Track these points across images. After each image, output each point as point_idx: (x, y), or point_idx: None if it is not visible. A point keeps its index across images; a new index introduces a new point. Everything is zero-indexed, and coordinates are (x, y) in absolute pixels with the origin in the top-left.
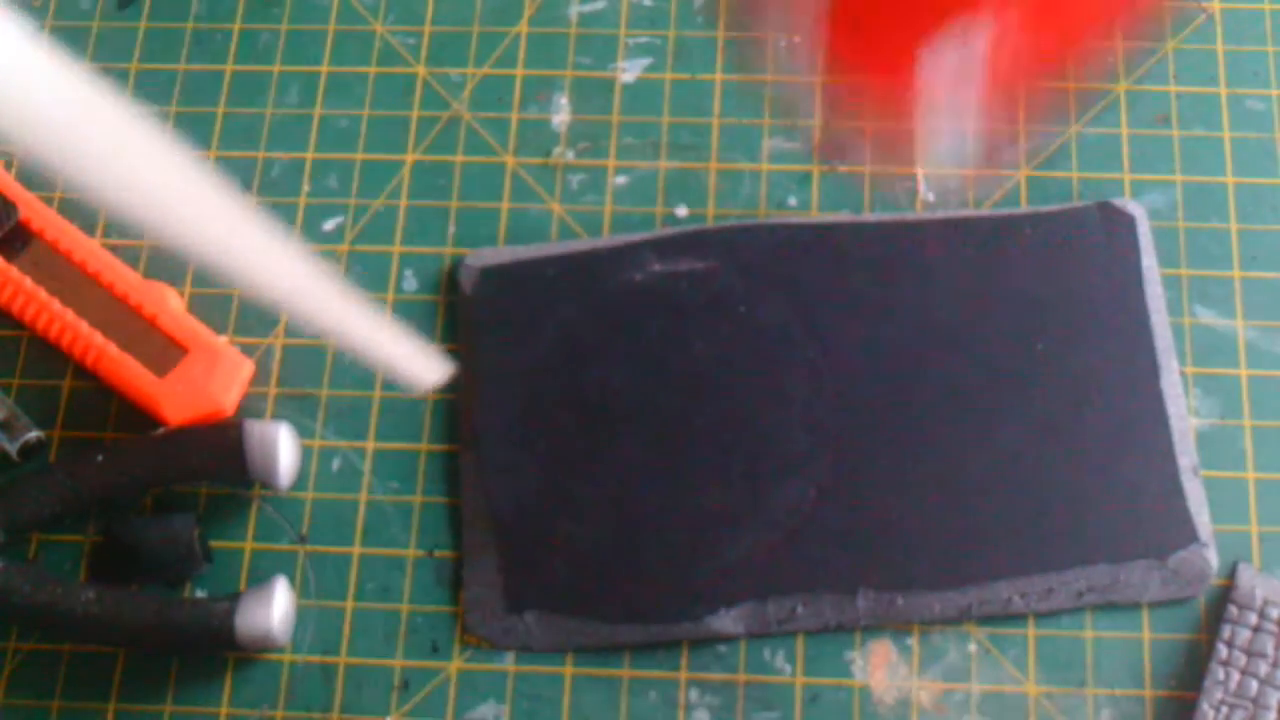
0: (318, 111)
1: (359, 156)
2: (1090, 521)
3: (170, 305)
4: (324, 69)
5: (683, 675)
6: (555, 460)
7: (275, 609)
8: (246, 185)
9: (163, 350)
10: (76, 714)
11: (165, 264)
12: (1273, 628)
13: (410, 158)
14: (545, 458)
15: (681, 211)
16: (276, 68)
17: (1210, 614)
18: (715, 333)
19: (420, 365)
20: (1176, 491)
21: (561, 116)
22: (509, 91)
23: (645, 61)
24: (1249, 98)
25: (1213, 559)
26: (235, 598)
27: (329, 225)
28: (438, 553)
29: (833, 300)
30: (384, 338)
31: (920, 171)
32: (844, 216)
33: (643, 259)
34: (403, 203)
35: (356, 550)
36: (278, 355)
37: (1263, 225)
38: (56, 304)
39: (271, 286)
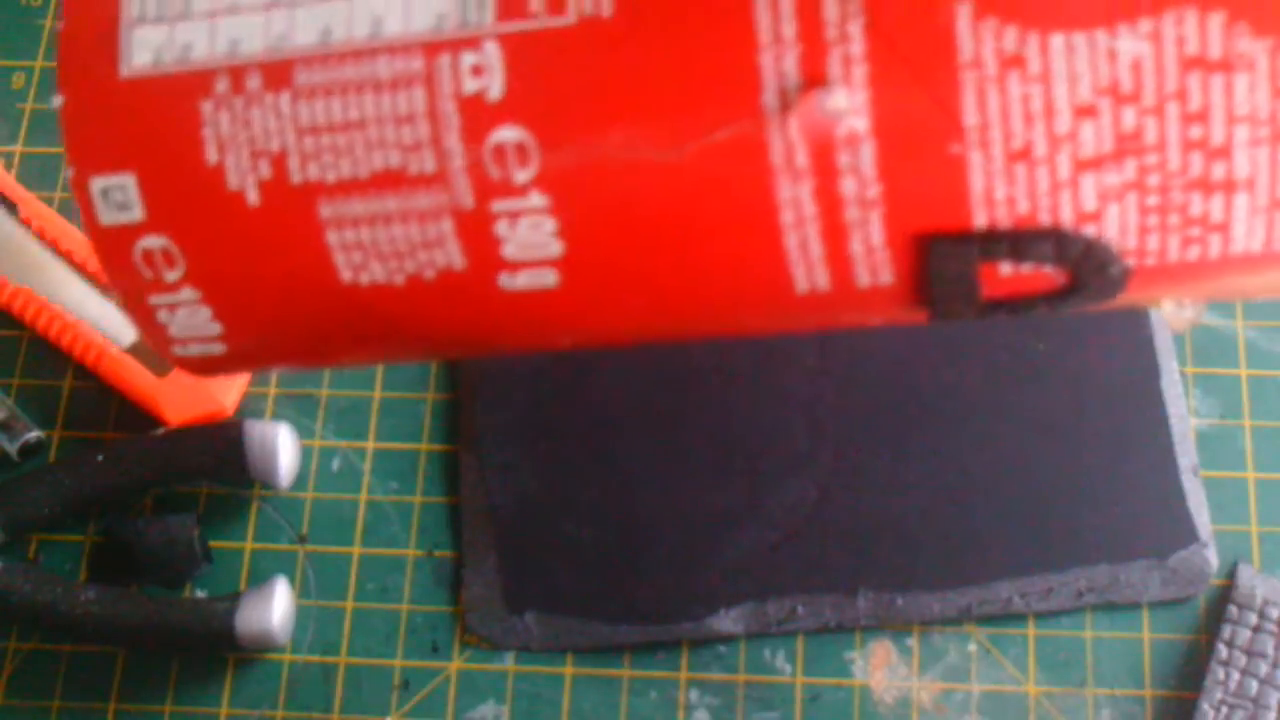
0: None
1: None
2: (1090, 521)
3: None
4: None
5: (683, 675)
6: (555, 460)
7: (275, 609)
8: None
9: None
10: (76, 714)
11: None
12: (1273, 628)
13: None
14: (545, 458)
15: None
16: None
17: (1210, 614)
18: None
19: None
20: (1176, 491)
21: None
22: None
23: None
24: None
25: (1213, 559)
26: (235, 598)
27: None
28: (438, 553)
29: None
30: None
31: None
32: None
33: None
34: None
35: (356, 550)
36: None
37: None
38: (57, 304)
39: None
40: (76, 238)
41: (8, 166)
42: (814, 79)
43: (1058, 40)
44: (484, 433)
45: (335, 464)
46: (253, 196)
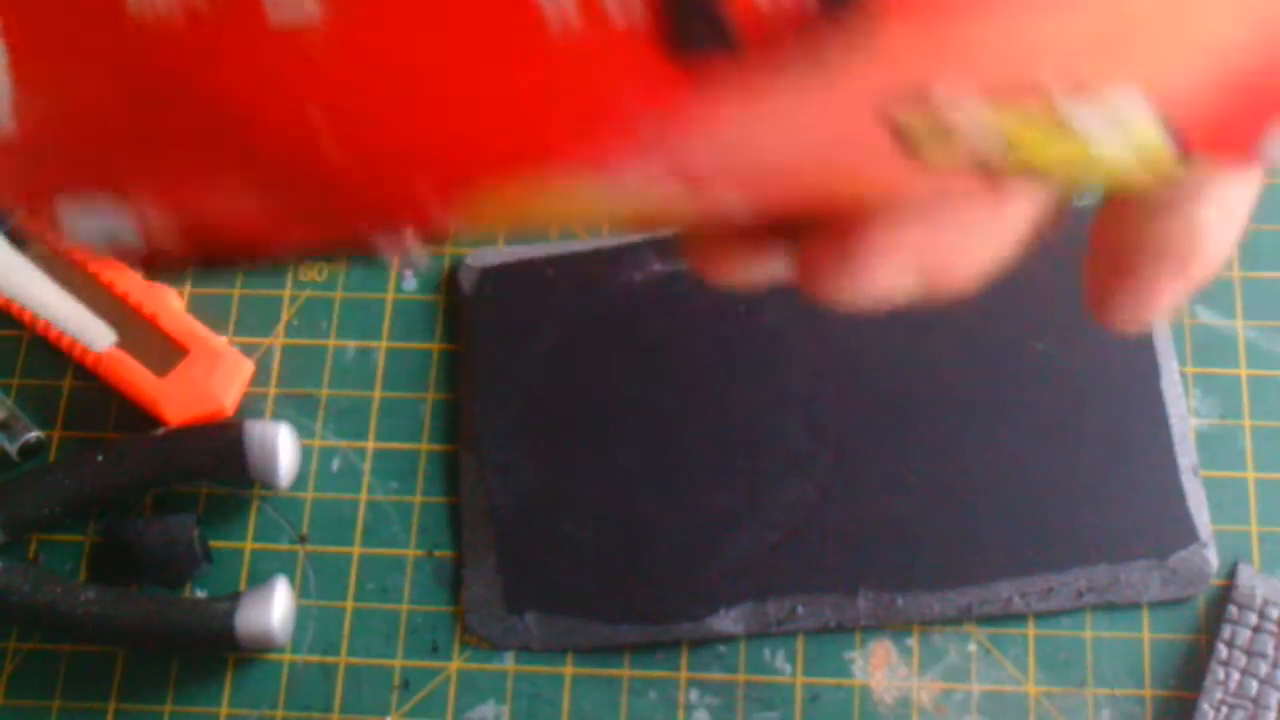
0: None
1: None
2: (1090, 521)
3: (170, 305)
4: None
5: (683, 675)
6: (555, 460)
7: (275, 609)
8: None
9: (163, 350)
10: (76, 714)
11: None
12: (1273, 628)
13: None
14: (545, 458)
15: None
16: None
17: (1210, 614)
18: (715, 333)
19: (91, 328)
20: (1176, 491)
21: None
22: None
23: None
24: None
25: (1213, 559)
26: (235, 598)
27: None
28: (438, 553)
29: None
30: (59, 301)
31: None
32: None
33: (643, 259)
34: None
35: (356, 550)
36: (278, 355)
37: (1263, 225)
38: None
39: None
40: None
41: None
42: None
43: None
44: (484, 433)
45: (335, 464)
46: None
